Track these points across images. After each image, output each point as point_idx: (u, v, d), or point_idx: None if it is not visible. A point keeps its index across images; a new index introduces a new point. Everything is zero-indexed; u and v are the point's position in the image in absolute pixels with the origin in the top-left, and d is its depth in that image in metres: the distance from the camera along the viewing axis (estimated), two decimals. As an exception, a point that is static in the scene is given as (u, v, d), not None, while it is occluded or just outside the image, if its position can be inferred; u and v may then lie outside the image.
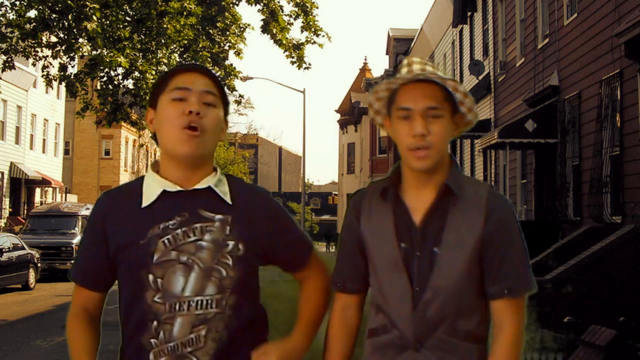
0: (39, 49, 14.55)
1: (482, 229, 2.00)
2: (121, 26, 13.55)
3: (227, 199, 2.09)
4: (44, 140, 34.17)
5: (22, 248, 17.46)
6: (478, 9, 21.61)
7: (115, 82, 14.90)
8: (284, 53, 16.21)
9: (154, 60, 14.80)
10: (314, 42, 16.04)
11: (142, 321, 2.02)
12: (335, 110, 50.28)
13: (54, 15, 12.63)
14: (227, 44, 17.72)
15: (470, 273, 2.00)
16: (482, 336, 2.02)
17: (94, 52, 13.60)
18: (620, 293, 9.41)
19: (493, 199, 2.05)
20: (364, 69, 48.68)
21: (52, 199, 34.01)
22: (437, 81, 2.03)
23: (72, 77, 15.12)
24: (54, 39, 14.29)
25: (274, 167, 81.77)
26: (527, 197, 16.29)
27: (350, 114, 45.82)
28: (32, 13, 13.43)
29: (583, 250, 10.27)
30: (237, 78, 18.10)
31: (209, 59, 16.06)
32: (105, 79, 14.81)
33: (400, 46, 37.79)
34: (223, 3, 16.95)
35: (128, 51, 13.50)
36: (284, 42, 15.98)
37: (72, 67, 15.41)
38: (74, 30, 12.74)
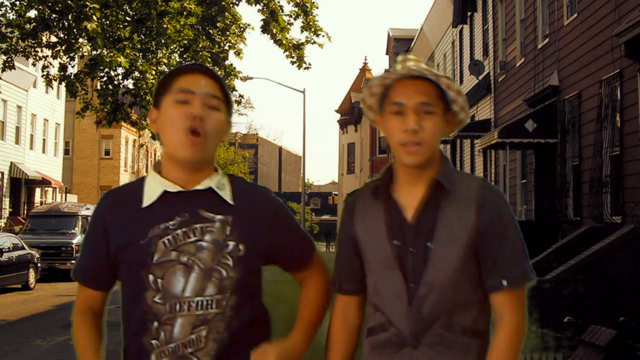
0: (39, 49, 14.56)
1: (475, 222, 2.00)
2: (121, 26, 13.55)
3: (229, 199, 2.09)
4: (44, 140, 34.17)
5: (22, 248, 17.46)
6: (478, 9, 21.61)
7: (115, 82, 14.90)
8: (284, 53, 16.22)
9: (154, 60, 14.81)
10: (314, 42, 16.05)
11: (143, 322, 2.02)
12: (335, 110, 50.29)
13: (54, 15, 12.63)
14: (227, 44, 17.72)
15: (465, 267, 1.99)
16: (482, 331, 2.02)
17: (94, 52, 13.60)
18: (620, 293, 9.41)
19: (485, 191, 2.04)
20: (364, 69, 48.69)
21: (52, 199, 34.01)
22: (430, 78, 2.03)
23: (72, 77, 15.12)
24: (54, 39, 14.30)
25: (274, 167, 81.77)
26: (527, 197, 16.29)
27: (350, 114, 45.83)
28: (32, 13, 13.45)
29: (583, 250, 10.27)
30: (237, 78, 18.11)
31: (209, 59, 16.06)
32: (105, 79, 14.81)
33: (400, 46, 37.78)
34: (223, 3, 16.96)
35: (128, 51, 13.50)
36: (284, 42, 15.99)
37: (72, 67, 15.41)
38: (74, 30, 12.75)
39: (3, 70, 15.11)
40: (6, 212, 29.45)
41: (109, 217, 2.10)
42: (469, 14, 22.52)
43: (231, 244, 2.04)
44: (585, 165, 12.56)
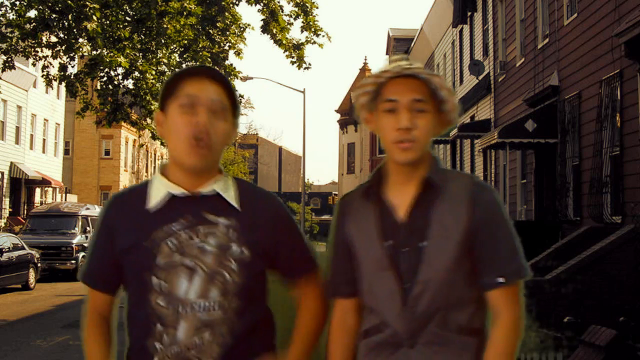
0: (39, 49, 14.56)
1: (468, 219, 1.99)
2: (121, 26, 13.55)
3: (234, 203, 2.08)
4: (44, 140, 34.18)
5: (22, 248, 17.46)
6: (478, 9, 21.61)
7: (115, 82, 14.90)
8: (284, 53, 16.22)
9: (154, 60, 14.81)
10: (314, 42, 16.05)
11: (147, 324, 2.02)
12: (335, 110, 50.31)
13: (54, 15, 12.63)
14: (227, 44, 17.72)
15: (459, 265, 1.99)
16: (478, 329, 2.01)
17: (94, 52, 13.60)
18: (620, 293, 9.42)
19: (476, 188, 2.04)
20: (364, 69, 48.69)
21: (52, 199, 34.02)
22: (423, 77, 2.04)
23: (72, 77, 15.12)
24: (54, 39, 14.30)
25: (274, 167, 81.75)
26: (527, 197, 16.29)
27: (350, 114, 45.77)
28: (32, 13, 13.44)
29: (583, 250, 10.27)
30: (237, 78, 18.10)
31: (209, 59, 16.06)
32: (105, 79, 14.81)
33: (400, 46, 37.79)
34: (223, 3, 16.96)
35: (128, 51, 13.50)
36: (284, 42, 15.98)
37: (72, 67, 15.41)
38: (74, 30, 12.75)
39: (3, 70, 15.11)
40: (6, 212, 29.45)
41: (114, 219, 2.11)
42: (469, 14, 22.53)
43: (235, 247, 2.04)
44: (585, 165, 12.56)
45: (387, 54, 40.42)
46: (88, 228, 21.68)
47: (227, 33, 17.49)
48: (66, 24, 12.75)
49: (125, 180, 44.79)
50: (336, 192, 61.69)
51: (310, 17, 15.85)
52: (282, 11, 16.14)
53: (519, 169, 17.04)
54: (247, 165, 60.03)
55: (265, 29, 16.13)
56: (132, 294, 2.08)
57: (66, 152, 40.23)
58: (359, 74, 48.78)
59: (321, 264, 2.25)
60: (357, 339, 2.13)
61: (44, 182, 32.54)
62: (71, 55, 14.23)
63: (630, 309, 8.70)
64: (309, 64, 16.27)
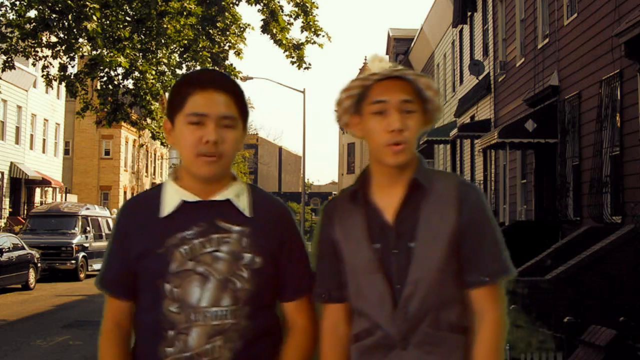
0: (39, 49, 14.55)
1: (456, 219, 2.00)
2: (121, 26, 13.54)
3: (246, 212, 2.09)
4: (44, 140, 34.18)
5: (22, 248, 17.46)
6: (478, 9, 21.61)
7: (115, 82, 14.89)
8: (284, 53, 16.19)
9: (154, 60, 14.80)
10: (314, 42, 16.02)
11: (158, 330, 2.02)
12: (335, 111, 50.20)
13: (54, 15, 12.62)
14: (227, 44, 17.70)
15: (448, 264, 1.99)
16: (467, 327, 2.01)
17: (94, 52, 13.59)
18: (620, 293, 9.42)
19: (463, 188, 2.05)
20: (364, 69, 48.59)
21: (52, 199, 34.02)
22: (410, 78, 2.04)
23: (72, 77, 15.11)
24: (54, 39, 14.29)
25: (274, 167, 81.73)
26: (527, 197, 16.29)
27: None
28: (32, 13, 13.43)
29: (583, 250, 10.27)
30: (237, 78, 18.08)
31: (209, 59, 16.06)
32: (105, 79, 14.80)
33: (400, 46, 37.79)
34: (223, 3, 16.94)
35: (128, 51, 13.49)
36: (284, 42, 15.97)
37: (72, 67, 15.40)
38: (74, 30, 12.73)
39: (3, 70, 15.11)
40: (6, 212, 29.45)
41: (128, 225, 2.11)
42: (469, 14, 22.53)
43: (247, 255, 2.04)
44: (585, 165, 12.56)
45: (387, 54, 40.41)
46: (88, 228, 21.69)
47: (227, 33, 17.47)
48: (66, 24, 12.74)
49: (125, 180, 44.80)
50: (336, 192, 61.56)
51: (310, 17, 15.84)
52: (282, 11, 16.12)
53: (519, 169, 17.04)
54: (247, 165, 60.02)
55: (265, 29, 16.11)
56: (144, 300, 2.08)
57: (66, 152, 40.23)
58: (358, 74, 48.74)
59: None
60: (349, 347, 2.11)
61: (44, 182, 32.54)
62: (71, 55, 14.21)
63: (630, 309, 8.70)
64: (309, 64, 16.25)
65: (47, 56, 14.82)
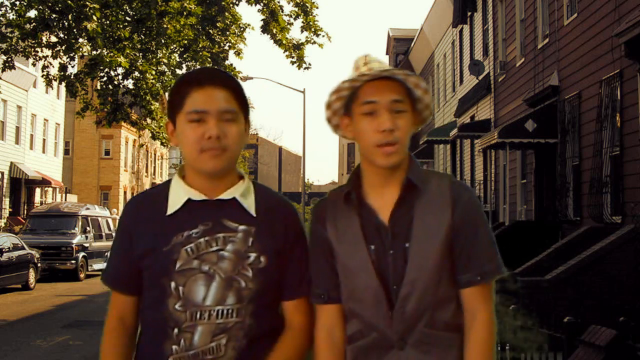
0: (39, 49, 14.54)
1: (450, 218, 2.01)
2: (121, 26, 13.54)
3: (252, 211, 2.09)
4: (44, 140, 34.18)
5: (22, 248, 17.46)
6: (478, 9, 21.61)
7: (115, 82, 14.89)
8: (284, 53, 16.19)
9: (154, 60, 14.80)
10: (314, 42, 16.02)
11: (163, 327, 2.03)
12: (335, 110, 50.20)
13: (54, 15, 12.61)
14: (227, 44, 17.71)
15: (443, 264, 2.00)
16: (460, 325, 2.02)
17: (94, 52, 13.58)
18: (620, 293, 9.42)
19: (456, 187, 2.06)
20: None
21: (52, 199, 34.02)
22: (399, 78, 2.03)
23: (72, 77, 15.11)
24: (54, 39, 14.28)
25: (274, 167, 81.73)
26: (527, 197, 16.29)
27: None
28: (32, 13, 13.42)
29: (583, 250, 10.27)
30: (237, 78, 18.03)
31: (209, 59, 16.06)
32: (105, 79, 14.80)
33: (400, 46, 37.80)
34: (223, 3, 16.95)
35: (128, 51, 13.49)
36: (284, 42, 15.97)
37: (72, 67, 15.40)
38: (74, 30, 12.73)
39: (3, 70, 15.11)
40: (6, 212, 29.46)
41: (134, 222, 2.12)
42: (469, 14, 22.53)
43: (252, 255, 2.04)
44: (585, 165, 12.56)
45: (387, 54, 40.43)
46: (88, 228, 21.69)
47: (227, 33, 17.48)
48: (66, 24, 12.73)
49: (125, 180, 44.80)
50: (336, 192, 61.50)
51: (310, 17, 15.83)
52: (282, 11, 16.12)
53: (519, 169, 17.04)
54: (247, 165, 60.00)
55: (265, 29, 16.11)
56: (149, 297, 2.08)
57: (66, 152, 40.24)
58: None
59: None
60: (344, 350, 2.09)
61: (44, 182, 32.55)
62: (71, 55, 14.21)
63: (630, 309, 8.70)
64: (309, 64, 16.25)
65: (47, 56, 14.82)
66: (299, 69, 16.24)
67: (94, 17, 12.28)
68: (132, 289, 2.13)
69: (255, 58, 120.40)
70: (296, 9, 15.97)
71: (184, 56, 16.37)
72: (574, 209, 13.29)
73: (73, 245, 20.23)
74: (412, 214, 2.02)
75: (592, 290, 9.51)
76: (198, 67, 15.75)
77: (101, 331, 2.18)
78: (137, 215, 2.13)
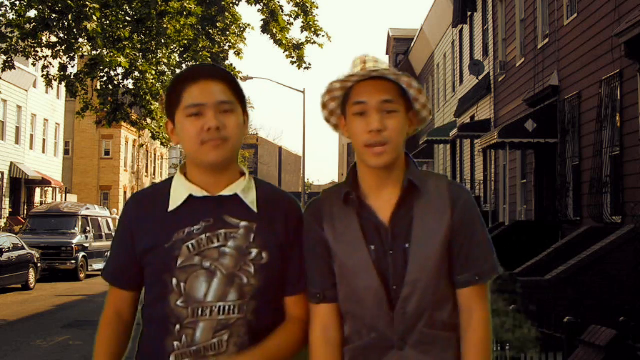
0: (39, 49, 14.55)
1: (449, 219, 2.02)
2: (121, 26, 13.54)
3: (254, 207, 2.09)
4: (44, 140, 34.18)
5: (22, 248, 17.46)
6: (478, 9, 21.61)
7: (115, 82, 14.90)
8: (284, 53, 16.21)
9: (154, 60, 14.81)
10: (314, 42, 16.03)
11: (165, 324, 2.03)
12: (335, 110, 50.21)
13: (54, 15, 12.62)
14: (227, 44, 17.73)
15: (443, 264, 2.01)
16: (456, 324, 2.03)
17: (94, 52, 13.59)
18: (620, 293, 9.42)
19: (454, 189, 2.07)
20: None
21: (52, 199, 34.02)
22: (391, 78, 2.03)
23: (72, 77, 15.12)
24: (54, 39, 14.29)
25: (274, 167, 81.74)
26: (527, 197, 16.29)
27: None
28: (32, 13, 13.43)
29: (583, 250, 10.27)
30: (237, 78, 18.03)
31: (209, 59, 16.06)
32: (105, 79, 14.81)
33: (400, 46, 37.81)
34: (223, 3, 16.96)
35: (128, 51, 13.50)
36: (284, 42, 15.98)
37: (72, 67, 15.41)
38: (74, 30, 12.73)
39: (3, 70, 15.11)
40: (6, 212, 29.46)
41: (135, 219, 2.12)
42: (469, 14, 22.53)
43: (254, 251, 2.05)
44: (585, 165, 12.56)
45: (387, 54, 40.42)
46: (88, 228, 21.68)
47: (227, 33, 17.50)
48: (66, 24, 12.74)
49: (125, 180, 44.80)
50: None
51: (310, 17, 15.84)
52: (282, 11, 16.14)
53: (519, 169, 17.04)
54: (247, 165, 60.01)
55: (265, 29, 16.12)
56: (151, 294, 2.09)
57: (66, 152, 40.24)
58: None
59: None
60: (341, 350, 2.08)
61: (44, 182, 32.54)
62: (71, 55, 14.22)
63: (630, 309, 8.70)
64: (309, 64, 16.26)
65: (47, 56, 14.83)
66: (299, 69, 16.25)
67: (94, 17, 12.28)
68: (130, 284, 2.15)
69: (255, 58, 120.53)
70: (296, 9, 15.98)
71: (184, 56, 16.38)
72: (574, 209, 13.29)
73: (73, 245, 20.22)
74: (411, 215, 2.02)
75: (592, 290, 9.50)
76: (198, 67, 15.80)
77: None
78: (138, 212, 2.13)
